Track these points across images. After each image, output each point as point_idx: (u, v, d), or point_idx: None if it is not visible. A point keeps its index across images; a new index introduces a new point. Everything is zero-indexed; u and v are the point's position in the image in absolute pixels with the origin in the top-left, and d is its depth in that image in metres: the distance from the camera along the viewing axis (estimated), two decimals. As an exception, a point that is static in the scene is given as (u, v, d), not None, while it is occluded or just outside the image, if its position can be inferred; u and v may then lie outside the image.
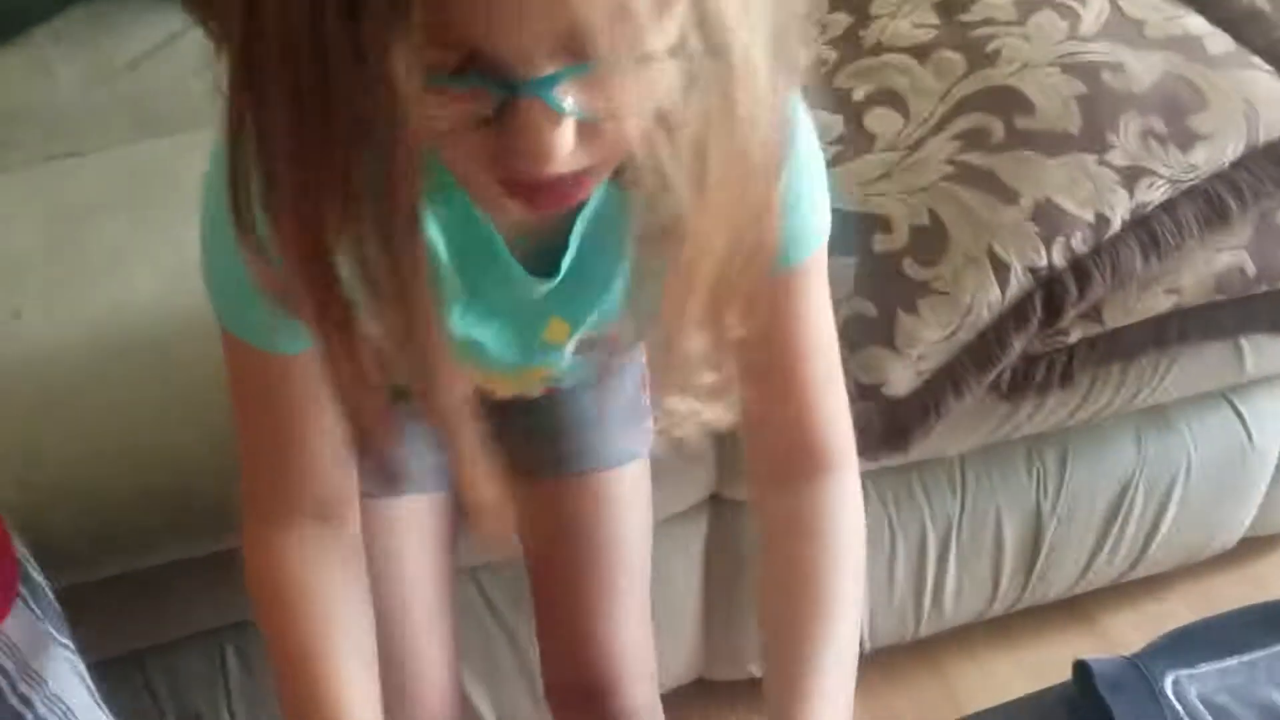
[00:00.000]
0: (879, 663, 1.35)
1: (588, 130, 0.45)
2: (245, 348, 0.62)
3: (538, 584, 0.93)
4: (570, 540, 0.89)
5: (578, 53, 0.41)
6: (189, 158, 1.20)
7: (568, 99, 0.43)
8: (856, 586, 0.70)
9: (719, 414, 0.64)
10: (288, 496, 0.66)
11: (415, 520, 0.85)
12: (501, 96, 0.43)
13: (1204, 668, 0.77)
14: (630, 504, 0.91)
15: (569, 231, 0.61)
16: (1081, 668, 0.77)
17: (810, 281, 0.67)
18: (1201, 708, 0.75)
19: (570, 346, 0.69)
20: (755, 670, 1.28)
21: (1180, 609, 1.49)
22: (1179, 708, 0.74)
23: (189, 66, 1.32)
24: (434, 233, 0.58)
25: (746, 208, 0.51)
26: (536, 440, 0.88)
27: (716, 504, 1.16)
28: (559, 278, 0.63)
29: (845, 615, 0.68)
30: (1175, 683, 0.76)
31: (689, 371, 0.59)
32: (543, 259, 0.62)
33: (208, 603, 0.99)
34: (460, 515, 0.91)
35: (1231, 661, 0.78)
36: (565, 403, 0.88)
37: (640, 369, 0.90)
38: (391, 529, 0.83)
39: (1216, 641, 0.79)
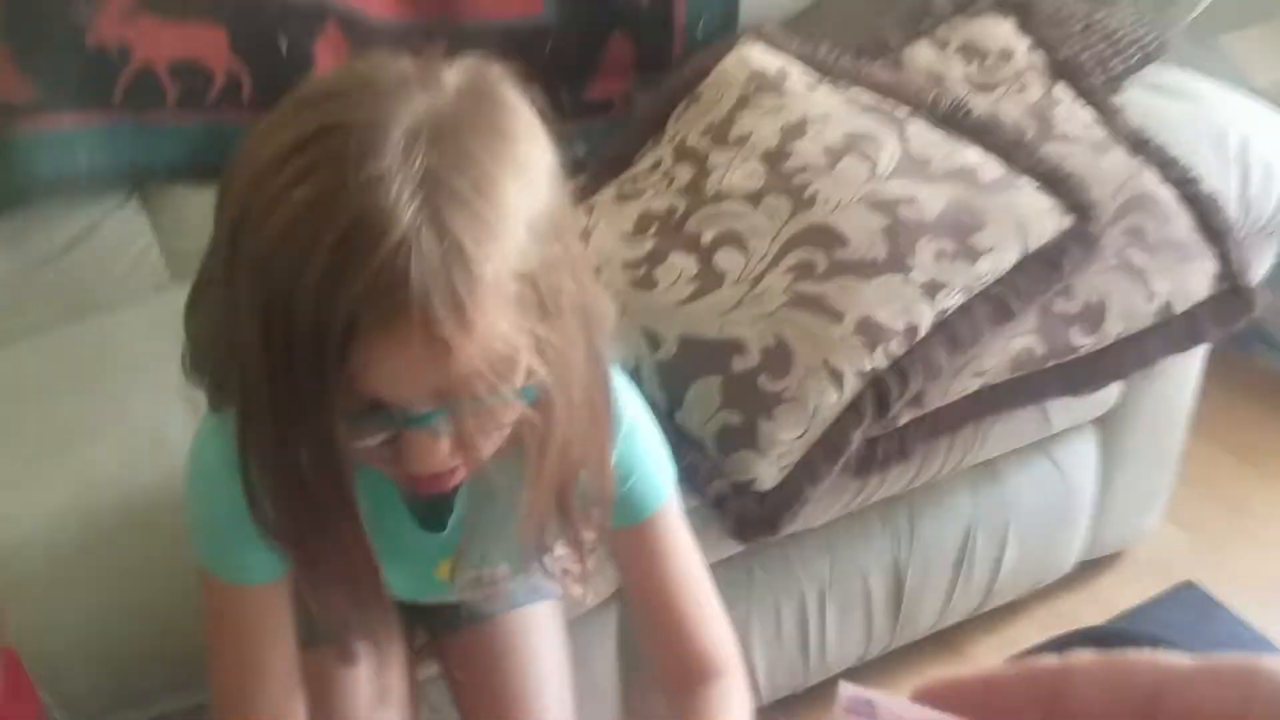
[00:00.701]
0: (776, 714, 1.54)
1: (458, 442, 0.67)
2: (222, 585, 0.82)
3: None
4: (488, 680, 1.02)
5: (446, 399, 0.64)
6: (124, 334, 1.35)
7: (441, 426, 0.65)
8: None
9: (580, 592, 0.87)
10: None
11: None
12: (396, 429, 0.65)
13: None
14: (544, 638, 1.05)
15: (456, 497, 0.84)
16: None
17: (666, 526, 0.87)
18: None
19: (459, 583, 0.89)
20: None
21: (1032, 629, 1.71)
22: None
23: (110, 250, 1.46)
24: (361, 494, 0.76)
25: (569, 465, 0.74)
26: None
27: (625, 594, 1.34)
28: (445, 532, 0.85)
29: None
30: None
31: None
32: (440, 516, 0.85)
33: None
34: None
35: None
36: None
37: None
38: (352, 686, 0.99)
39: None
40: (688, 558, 0.90)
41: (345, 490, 0.66)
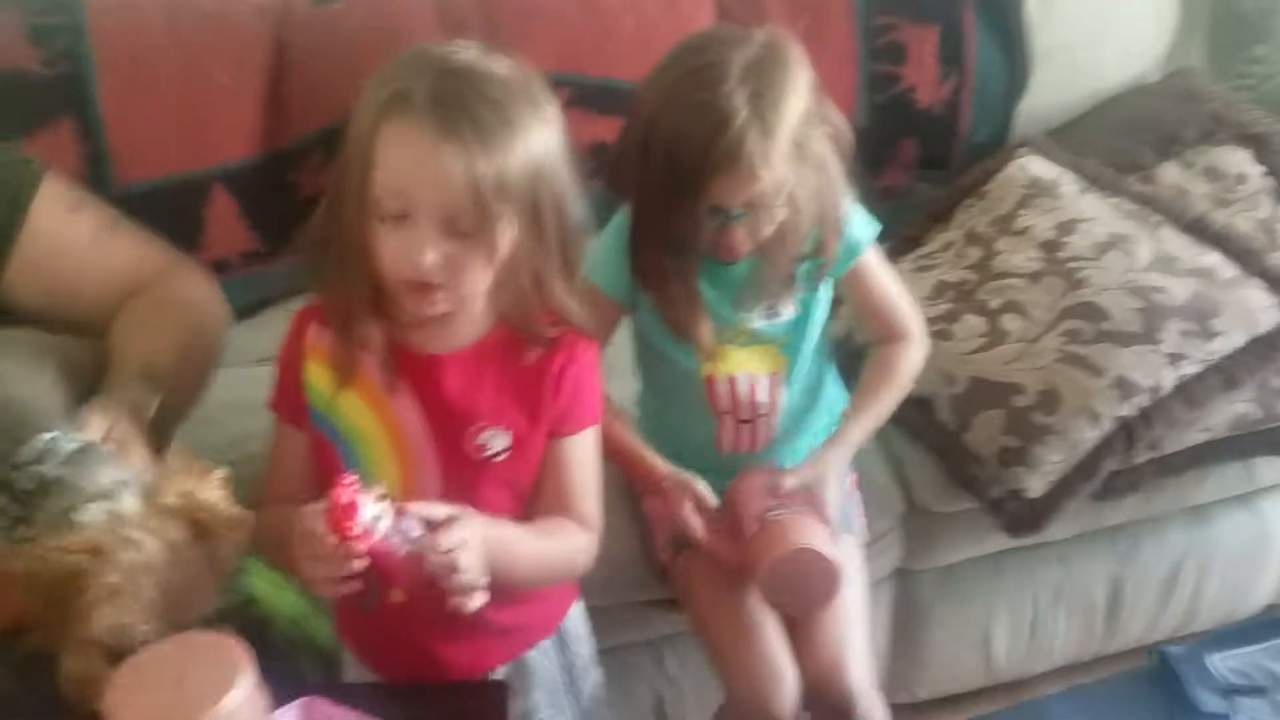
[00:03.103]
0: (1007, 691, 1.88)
1: (749, 230, 1.25)
2: (595, 289, 1.28)
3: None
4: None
5: (750, 206, 1.23)
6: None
7: (745, 220, 1.24)
8: (892, 392, 1.45)
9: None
10: None
11: None
12: (723, 221, 1.24)
13: (1234, 650, 1.32)
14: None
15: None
16: (1159, 652, 1.32)
17: (872, 267, 1.40)
18: (1230, 674, 1.30)
19: (755, 314, 1.36)
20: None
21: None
22: (1219, 673, 1.28)
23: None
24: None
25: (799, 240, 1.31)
26: None
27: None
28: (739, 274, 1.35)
29: (881, 400, 1.44)
30: (1217, 660, 1.31)
31: None
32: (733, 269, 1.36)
33: None
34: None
35: (1252, 648, 1.33)
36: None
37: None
38: None
39: (1241, 636, 1.35)
40: (893, 287, 1.44)
41: (693, 250, 1.27)
